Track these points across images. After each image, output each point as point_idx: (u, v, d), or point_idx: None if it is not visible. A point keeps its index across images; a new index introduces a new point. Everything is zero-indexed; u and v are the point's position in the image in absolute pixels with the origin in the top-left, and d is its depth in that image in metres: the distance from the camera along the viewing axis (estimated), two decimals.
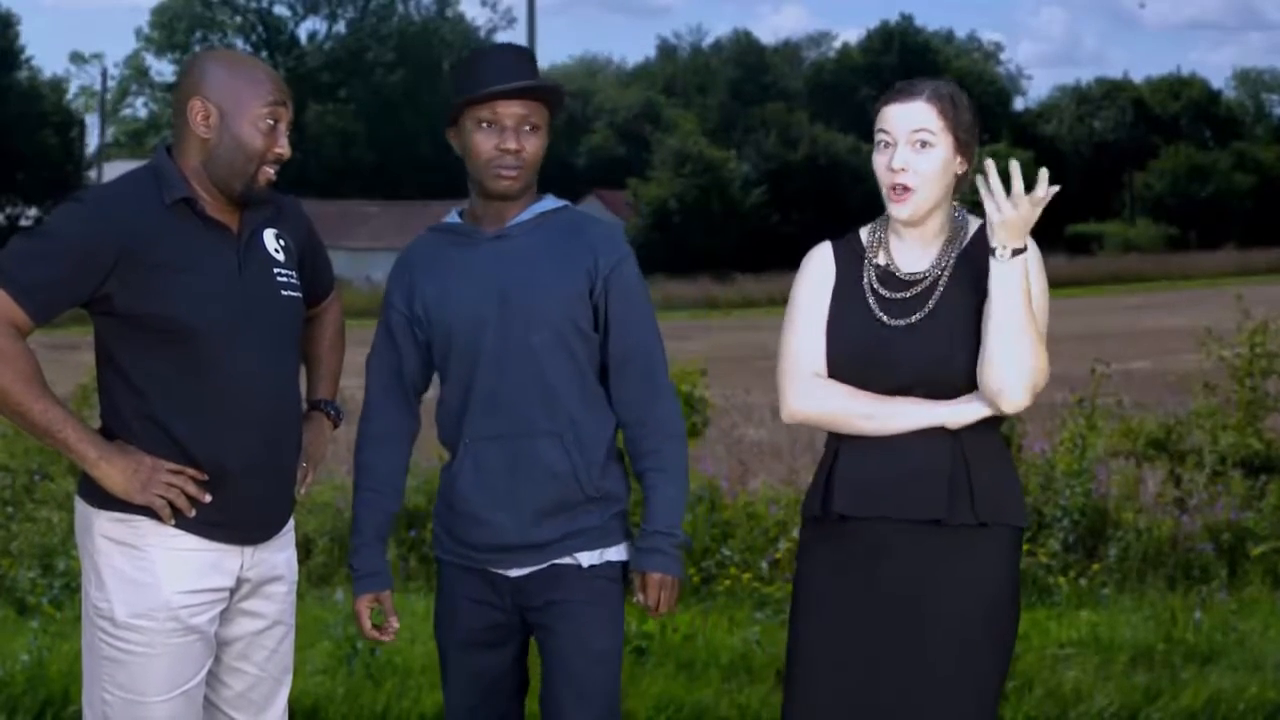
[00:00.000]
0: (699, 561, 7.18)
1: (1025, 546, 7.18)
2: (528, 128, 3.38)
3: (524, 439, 3.37)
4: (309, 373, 3.57)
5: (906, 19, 65.35)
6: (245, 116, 3.19)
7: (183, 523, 3.17)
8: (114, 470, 3.12)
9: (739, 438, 10.35)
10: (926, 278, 3.27)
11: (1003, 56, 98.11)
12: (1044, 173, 3.09)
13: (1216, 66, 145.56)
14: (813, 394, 3.27)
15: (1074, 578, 7.12)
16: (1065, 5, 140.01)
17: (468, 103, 3.37)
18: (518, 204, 3.43)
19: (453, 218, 3.51)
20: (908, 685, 3.20)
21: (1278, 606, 6.85)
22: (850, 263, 3.34)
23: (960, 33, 78.26)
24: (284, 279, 3.30)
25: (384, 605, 3.49)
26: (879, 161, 3.25)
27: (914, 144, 3.21)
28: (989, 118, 61.06)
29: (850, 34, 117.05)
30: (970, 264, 3.26)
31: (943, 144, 3.22)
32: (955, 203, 3.32)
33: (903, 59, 57.20)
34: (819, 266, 3.36)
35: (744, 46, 68.09)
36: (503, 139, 3.35)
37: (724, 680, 5.83)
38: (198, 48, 61.19)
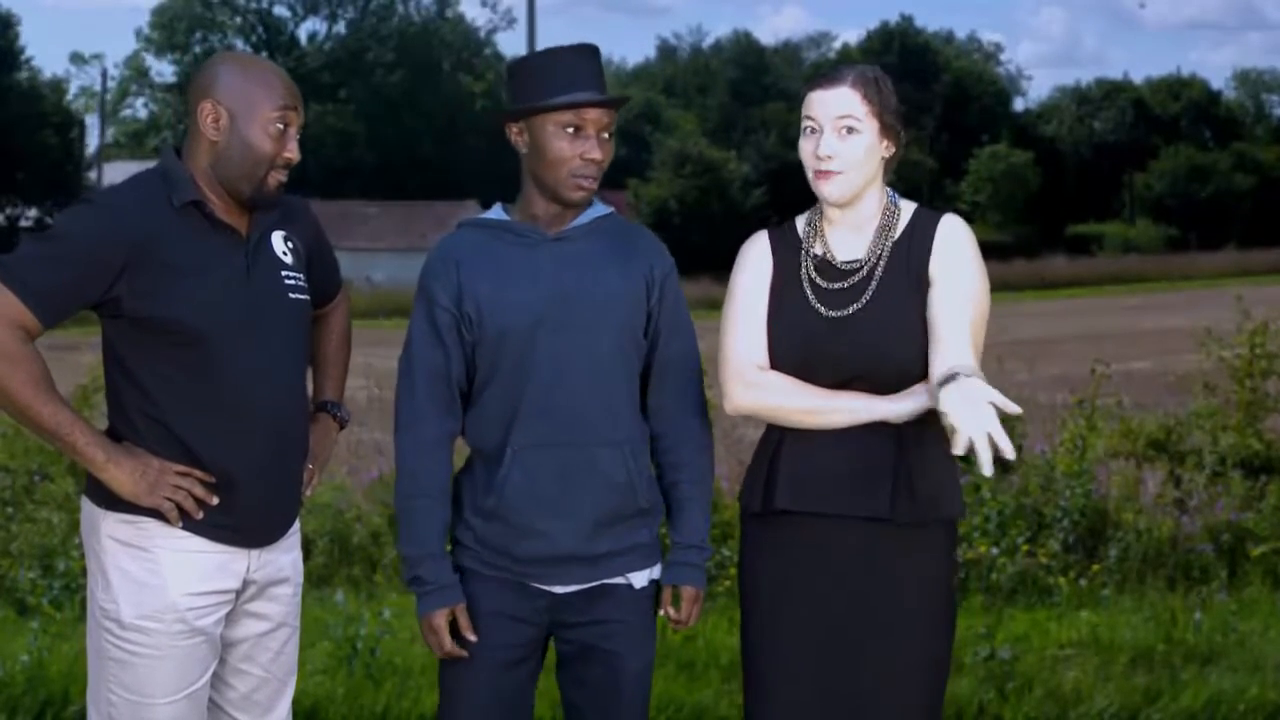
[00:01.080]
0: None
1: (1025, 546, 7.21)
2: (606, 135, 3.33)
3: (579, 447, 3.28)
4: (315, 374, 3.57)
5: (906, 19, 65.30)
6: (255, 120, 3.19)
7: (190, 525, 3.17)
8: (122, 473, 3.12)
9: (739, 438, 10.31)
10: (863, 266, 3.27)
11: (1003, 57, 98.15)
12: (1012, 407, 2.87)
13: (1216, 66, 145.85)
14: (755, 387, 3.26)
15: (1074, 578, 7.12)
16: (1065, 5, 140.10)
17: (555, 107, 3.27)
18: (578, 207, 3.38)
19: (498, 214, 3.41)
20: (862, 668, 3.22)
21: (1278, 607, 6.85)
22: (787, 254, 3.33)
23: (960, 33, 78.21)
24: (292, 281, 3.30)
25: (462, 620, 3.32)
26: (805, 148, 3.27)
27: (839, 130, 3.23)
28: (989, 118, 61.42)
29: (850, 34, 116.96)
30: (905, 252, 3.26)
31: (868, 129, 3.23)
32: (888, 188, 3.32)
33: (903, 59, 57.08)
34: (757, 257, 3.36)
35: (744, 47, 68.09)
36: (587, 148, 3.28)
37: (724, 680, 5.84)
38: (198, 48, 61.27)
